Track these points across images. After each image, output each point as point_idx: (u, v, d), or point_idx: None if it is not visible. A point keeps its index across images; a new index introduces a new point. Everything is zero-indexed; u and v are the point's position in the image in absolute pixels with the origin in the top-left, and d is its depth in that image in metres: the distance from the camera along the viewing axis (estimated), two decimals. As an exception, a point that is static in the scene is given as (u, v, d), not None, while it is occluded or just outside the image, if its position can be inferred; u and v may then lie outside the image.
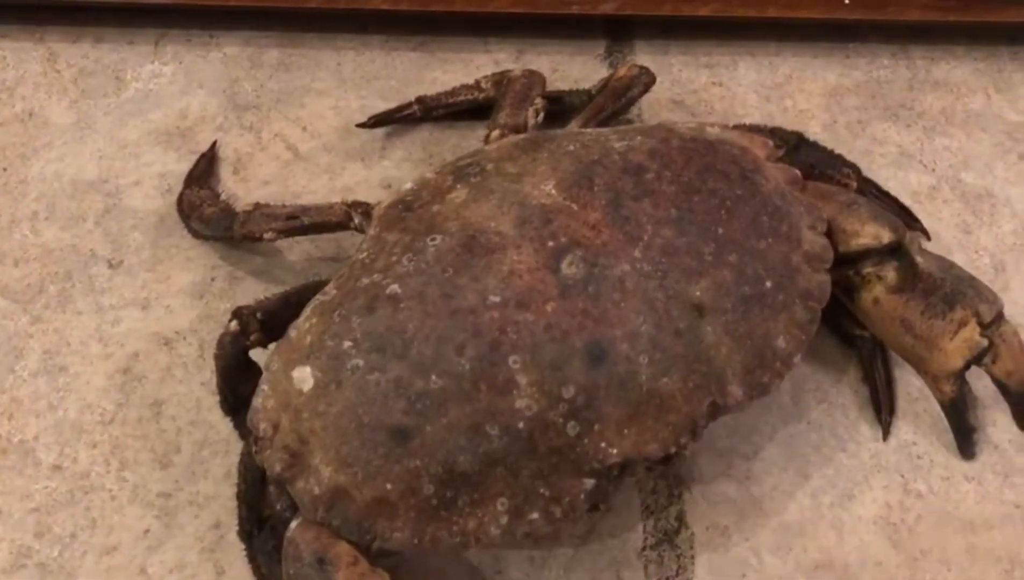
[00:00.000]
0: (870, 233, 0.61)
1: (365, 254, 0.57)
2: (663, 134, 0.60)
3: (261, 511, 0.56)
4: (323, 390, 0.52)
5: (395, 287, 0.53)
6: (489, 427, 0.51)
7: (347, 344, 0.52)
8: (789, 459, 0.63)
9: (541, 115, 0.70)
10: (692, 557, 0.60)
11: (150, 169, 0.75)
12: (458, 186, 0.58)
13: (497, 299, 0.52)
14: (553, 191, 0.56)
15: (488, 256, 0.53)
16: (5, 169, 0.75)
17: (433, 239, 0.55)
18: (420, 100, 0.76)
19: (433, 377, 0.51)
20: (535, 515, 0.51)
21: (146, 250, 0.71)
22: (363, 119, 0.76)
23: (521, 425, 0.51)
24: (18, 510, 0.61)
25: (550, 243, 0.54)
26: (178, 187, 0.73)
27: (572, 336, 0.52)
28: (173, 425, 0.64)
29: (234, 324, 0.58)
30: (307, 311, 0.55)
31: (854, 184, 0.68)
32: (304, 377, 0.52)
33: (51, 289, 0.69)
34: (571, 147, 0.59)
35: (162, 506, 0.61)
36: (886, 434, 0.64)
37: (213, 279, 0.70)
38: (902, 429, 0.64)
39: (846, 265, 0.62)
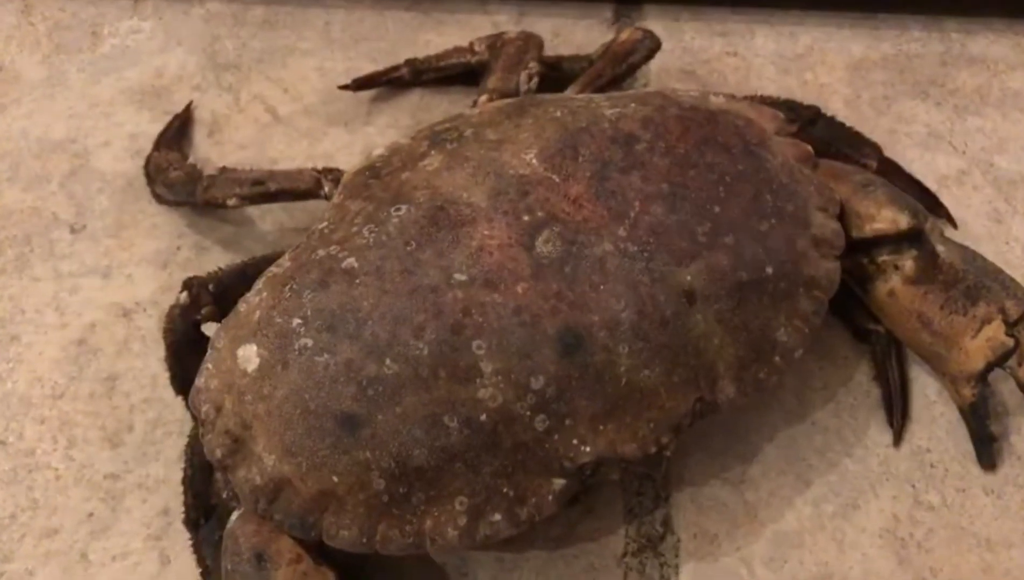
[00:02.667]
0: (887, 218, 0.55)
1: (325, 224, 0.52)
2: (660, 102, 0.54)
3: (208, 499, 0.52)
4: (268, 371, 0.47)
5: (351, 261, 0.48)
6: (448, 419, 0.46)
7: (296, 322, 0.47)
8: (789, 463, 0.58)
9: (535, 80, 0.64)
10: (676, 566, 0.55)
11: (121, 129, 0.71)
12: (433, 152, 0.53)
13: (463, 277, 0.47)
14: (534, 161, 0.51)
15: (456, 229, 0.48)
16: (-30, 125, 0.71)
17: (398, 209, 0.50)
18: (409, 63, 0.71)
19: (388, 361, 0.46)
20: (497, 516, 0.47)
21: (111, 215, 0.67)
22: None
23: (484, 417, 0.46)
24: (-43, 487, 0.57)
25: (525, 217, 0.49)
26: (149, 149, 0.68)
27: (544, 321, 0.47)
28: (126, 402, 0.60)
29: (184, 296, 0.53)
30: (259, 284, 0.51)
31: (874, 165, 0.63)
32: (249, 356, 0.48)
33: (8, 253, 0.65)
34: (558, 113, 0.54)
35: (109, 488, 0.57)
36: (898, 439, 0.58)
37: (179, 248, 0.65)
38: (916, 434, 0.58)
39: (860, 252, 0.57)
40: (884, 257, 0.56)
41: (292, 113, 0.72)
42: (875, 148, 0.64)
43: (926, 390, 0.60)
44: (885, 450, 0.58)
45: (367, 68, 0.73)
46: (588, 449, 0.47)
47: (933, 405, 0.59)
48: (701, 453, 0.58)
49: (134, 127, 0.71)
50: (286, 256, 0.51)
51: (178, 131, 0.70)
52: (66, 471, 0.58)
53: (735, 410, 0.51)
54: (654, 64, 0.73)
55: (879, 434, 0.59)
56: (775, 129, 0.57)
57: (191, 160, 0.67)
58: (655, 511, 0.56)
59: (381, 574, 0.53)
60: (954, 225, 0.65)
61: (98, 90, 0.73)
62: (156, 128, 0.70)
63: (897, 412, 0.58)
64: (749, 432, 0.59)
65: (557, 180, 0.50)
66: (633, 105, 0.54)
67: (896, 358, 0.59)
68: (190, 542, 0.53)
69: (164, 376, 0.59)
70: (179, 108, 0.71)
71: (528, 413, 0.46)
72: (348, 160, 0.68)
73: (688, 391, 0.48)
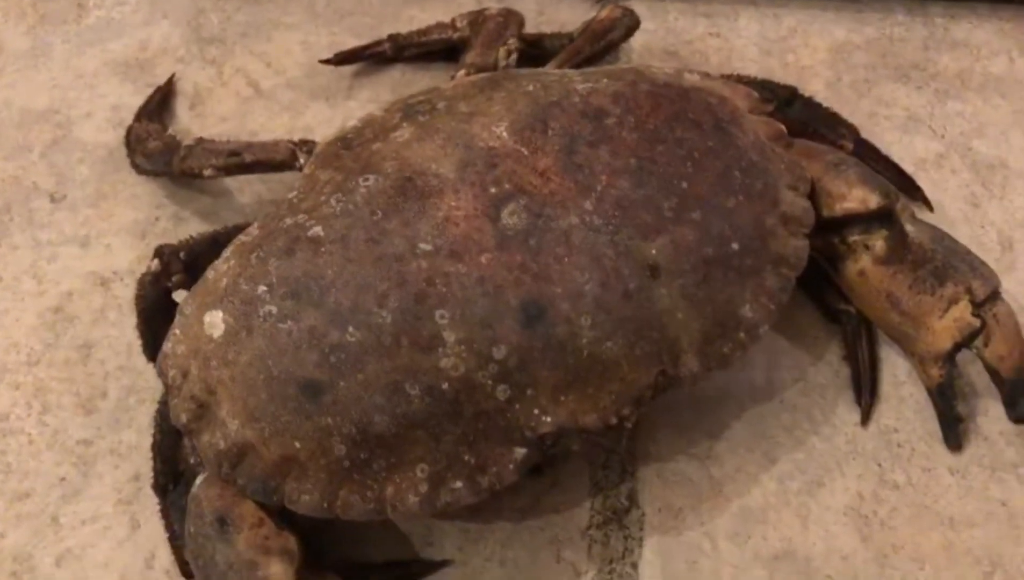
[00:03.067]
0: (857, 197, 0.55)
1: (295, 193, 0.52)
2: (632, 77, 0.55)
3: (177, 465, 0.52)
4: (233, 337, 0.48)
5: (318, 229, 0.49)
6: (409, 386, 0.46)
7: (262, 289, 0.48)
8: (756, 440, 0.58)
9: (514, 56, 0.64)
10: (640, 539, 0.55)
11: (104, 101, 0.71)
12: (404, 124, 0.53)
13: (427, 247, 0.47)
14: (504, 134, 0.51)
15: (423, 200, 0.49)
16: (-46, 94, 0.71)
17: (366, 179, 0.50)
18: (392, 38, 0.71)
19: (350, 329, 0.46)
20: (458, 484, 0.47)
21: (91, 185, 0.67)
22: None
23: (445, 386, 0.46)
24: (-68, 450, 0.58)
25: (492, 189, 0.49)
26: (131, 121, 0.69)
27: (507, 292, 0.47)
28: (101, 369, 0.60)
29: (155, 263, 0.54)
30: (227, 252, 0.51)
31: (850, 146, 0.63)
32: (215, 322, 0.48)
33: (-12, 221, 0.66)
34: (531, 87, 0.54)
35: (81, 454, 0.58)
36: (865, 419, 0.58)
37: (157, 219, 0.66)
38: (884, 414, 0.59)
39: (831, 232, 0.57)
40: (854, 237, 0.57)
41: (274, 87, 0.72)
42: (852, 129, 0.64)
43: (895, 370, 0.60)
44: (853, 429, 0.58)
45: (351, 43, 0.73)
46: (549, 419, 0.47)
47: (902, 385, 0.60)
48: (668, 428, 0.58)
49: (117, 99, 0.71)
50: (255, 224, 0.52)
51: (160, 103, 0.70)
52: (39, 436, 0.58)
53: (698, 384, 0.51)
54: (636, 43, 0.73)
55: (847, 413, 0.59)
56: (749, 107, 0.57)
57: (172, 132, 0.67)
58: (621, 485, 0.57)
59: (345, 543, 0.54)
60: (930, 208, 0.65)
61: (82, 61, 0.73)
62: (139, 100, 0.70)
63: (866, 391, 0.59)
64: (717, 409, 0.59)
65: (526, 153, 0.50)
66: (605, 80, 0.54)
67: (866, 338, 0.59)
68: (159, 507, 0.54)
69: (139, 344, 0.59)
70: (162, 80, 0.71)
71: (490, 382, 0.46)
72: (328, 134, 0.69)
73: (650, 364, 0.49)
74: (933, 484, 0.57)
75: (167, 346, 0.50)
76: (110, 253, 0.65)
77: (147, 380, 0.60)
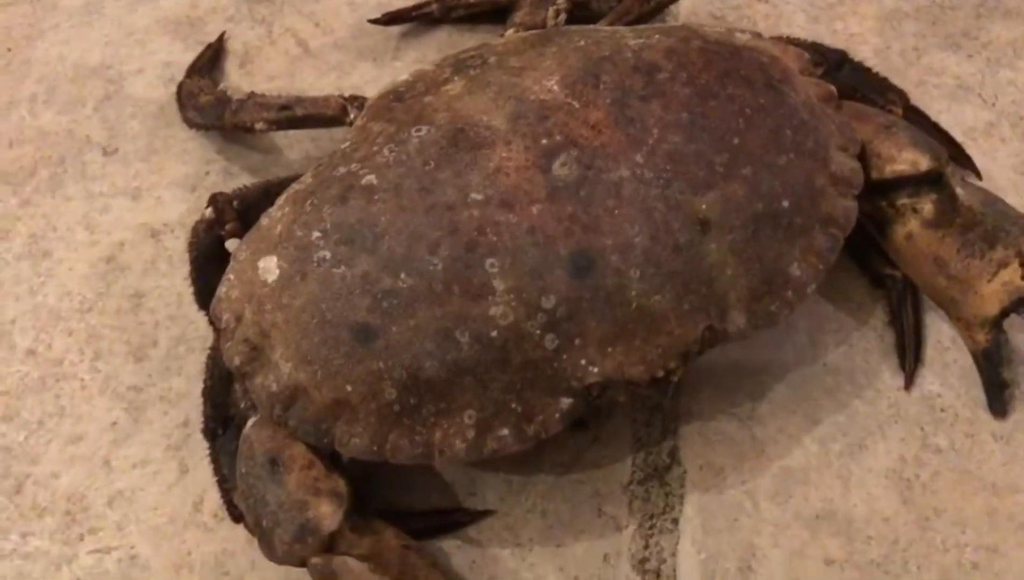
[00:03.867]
0: (907, 159, 0.55)
1: (348, 144, 0.53)
2: (684, 34, 0.55)
3: (227, 410, 0.53)
4: (288, 282, 0.48)
5: (371, 178, 0.49)
6: (459, 333, 0.47)
7: (316, 234, 0.49)
8: (798, 402, 0.58)
9: (563, 16, 0.64)
10: (681, 496, 0.55)
11: (155, 58, 0.72)
12: (455, 78, 0.54)
13: (479, 197, 0.48)
14: (555, 87, 0.51)
15: (474, 151, 0.49)
16: (9, 49, 0.73)
17: (418, 130, 0.51)
18: (440, -1, 0.71)
19: (402, 275, 0.47)
20: (505, 431, 0.48)
21: (142, 139, 0.68)
22: (379, 17, 0.72)
23: (494, 334, 0.47)
24: (-12, 392, 0.59)
25: (543, 141, 0.49)
26: (181, 77, 0.69)
27: (557, 242, 0.47)
28: (152, 318, 0.62)
29: (209, 211, 0.55)
30: (281, 199, 0.52)
31: (899, 111, 0.62)
32: (270, 267, 0.49)
33: (43, 173, 0.67)
34: (582, 43, 0.54)
35: (132, 399, 0.59)
36: (909, 383, 0.58)
37: (207, 173, 0.67)
38: (927, 379, 0.59)
39: (879, 195, 0.57)
40: (903, 200, 0.56)
41: (322, 46, 0.72)
42: (901, 95, 0.63)
43: (940, 337, 0.60)
44: (896, 393, 0.58)
45: (398, 4, 0.73)
46: (596, 370, 0.48)
47: (947, 351, 0.59)
48: (711, 389, 0.58)
49: (167, 56, 0.72)
50: (308, 173, 0.52)
51: (210, 60, 0.71)
52: (92, 381, 0.60)
53: (744, 340, 0.51)
54: (683, 8, 0.73)
55: (891, 378, 0.59)
56: (799, 68, 0.57)
57: (222, 88, 0.68)
58: (663, 442, 0.57)
59: (390, 492, 0.55)
60: (979, 176, 0.65)
61: (134, 19, 0.74)
62: (189, 57, 0.71)
63: (910, 356, 0.58)
64: (760, 371, 0.59)
65: (577, 106, 0.50)
66: (657, 37, 0.54)
67: (911, 303, 0.59)
68: (208, 452, 0.55)
69: (189, 295, 0.60)
70: (212, 39, 0.72)
71: (538, 332, 0.47)
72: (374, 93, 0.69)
73: (698, 319, 0.49)
74: (976, 450, 0.56)
75: (221, 291, 0.50)
76: (161, 205, 0.66)
77: (197, 329, 0.61)
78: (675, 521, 0.55)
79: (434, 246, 0.47)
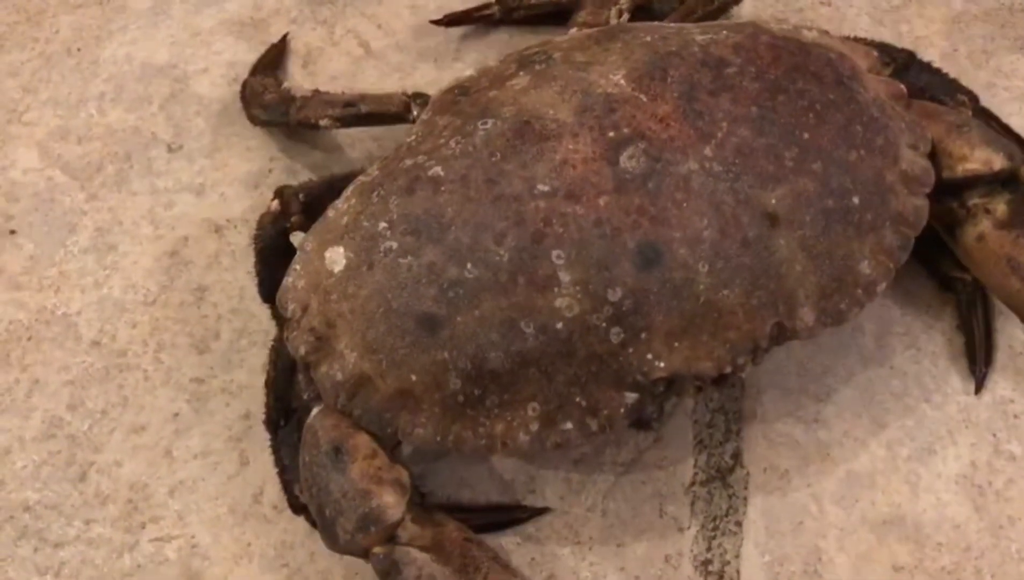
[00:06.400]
0: (980, 158, 0.54)
1: (413, 137, 0.53)
2: (751, 30, 0.54)
3: (289, 402, 0.53)
4: (354, 272, 0.48)
5: (438, 169, 0.49)
6: (524, 325, 0.46)
7: (382, 225, 0.49)
8: (865, 405, 0.57)
9: (625, 16, 0.64)
10: (745, 499, 0.55)
11: (219, 57, 0.73)
12: (520, 73, 0.54)
13: (545, 188, 0.48)
14: (622, 81, 0.51)
15: (541, 143, 0.49)
16: (79, 49, 0.74)
17: (484, 123, 0.51)
18: (501, 1, 0.71)
19: (469, 265, 0.47)
20: (568, 425, 0.47)
21: (207, 137, 0.69)
22: (441, 18, 0.72)
23: (560, 326, 0.46)
24: (54, 381, 0.60)
25: (611, 133, 0.49)
26: (245, 77, 0.70)
27: (624, 234, 0.47)
28: (214, 312, 0.62)
29: (275, 203, 0.55)
30: (347, 191, 0.52)
31: (968, 112, 0.61)
32: (336, 258, 0.49)
33: (109, 168, 0.68)
34: (648, 38, 0.54)
35: (194, 391, 0.59)
36: (979, 388, 0.57)
37: (270, 170, 0.67)
38: (999, 384, 0.57)
39: (950, 195, 0.55)
40: (975, 200, 0.55)
41: (384, 48, 0.73)
42: (971, 96, 0.62)
43: (1012, 341, 0.58)
44: (965, 398, 0.57)
45: (458, 6, 0.73)
46: (662, 364, 0.47)
47: (1019, 356, 0.58)
48: (775, 390, 0.57)
49: (232, 56, 0.73)
50: (374, 166, 0.52)
51: (274, 60, 0.72)
52: (155, 373, 0.60)
53: (811, 338, 0.50)
54: (745, 11, 0.73)
55: (960, 382, 0.58)
56: (868, 66, 0.56)
57: (286, 86, 0.69)
58: (725, 443, 0.56)
59: (450, 486, 0.55)
60: (1051, 179, 0.63)
61: (199, 20, 0.75)
62: (252, 57, 0.72)
63: (980, 361, 0.57)
64: (825, 373, 0.58)
65: (645, 99, 0.50)
66: (724, 32, 0.54)
67: (981, 306, 0.58)
68: (269, 443, 0.55)
69: (251, 289, 0.61)
70: (276, 39, 0.73)
71: (604, 324, 0.46)
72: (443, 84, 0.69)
73: (766, 315, 0.48)
74: (1051, 457, 0.55)
75: (287, 281, 0.51)
76: (224, 201, 0.66)
77: (258, 323, 0.61)
78: (738, 523, 0.54)
79: (500, 237, 0.47)
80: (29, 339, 0.62)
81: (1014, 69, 0.69)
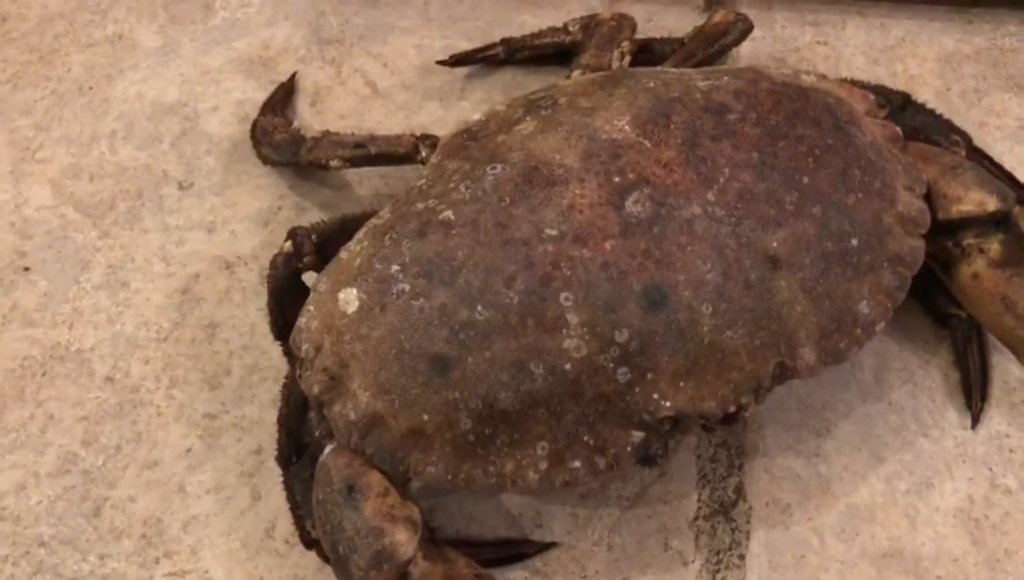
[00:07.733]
0: (974, 200, 0.56)
1: (424, 181, 0.54)
2: (752, 76, 0.56)
3: (301, 438, 0.55)
4: (367, 313, 0.50)
5: (448, 213, 0.51)
6: (534, 365, 0.48)
7: (395, 268, 0.50)
8: (864, 440, 0.58)
9: (627, 59, 0.66)
10: (748, 532, 0.56)
11: (229, 96, 0.75)
12: (527, 118, 0.55)
13: (553, 233, 0.49)
14: (626, 127, 0.53)
15: (548, 188, 0.50)
16: (91, 88, 0.75)
17: (493, 168, 0.52)
18: (505, 41, 0.73)
19: (479, 308, 0.48)
20: (577, 463, 0.48)
21: (217, 174, 0.71)
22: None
23: (568, 366, 0.48)
24: (68, 417, 0.61)
25: (616, 179, 0.50)
26: (255, 115, 0.72)
27: (630, 277, 0.48)
28: (226, 348, 0.63)
29: (288, 244, 0.56)
30: (360, 234, 0.53)
31: (963, 153, 0.63)
32: (349, 299, 0.50)
33: (121, 206, 0.69)
34: (651, 84, 0.55)
35: (206, 426, 0.60)
36: (975, 422, 0.58)
37: (280, 208, 0.69)
38: (994, 419, 0.59)
39: (945, 235, 0.57)
40: (969, 240, 0.57)
41: (391, 87, 0.75)
42: (964, 137, 0.63)
43: (1007, 377, 0.60)
44: (962, 433, 0.58)
45: (463, 46, 0.75)
46: (668, 404, 0.48)
47: (1014, 392, 0.59)
48: (776, 425, 0.59)
49: (241, 94, 0.75)
50: (386, 209, 0.54)
51: (283, 99, 0.73)
52: (167, 408, 0.61)
53: (812, 377, 0.51)
54: (744, 51, 0.74)
55: (957, 417, 0.59)
56: (865, 110, 0.58)
57: (296, 126, 0.70)
58: (728, 478, 0.57)
59: (458, 522, 0.56)
60: (1043, 217, 0.65)
61: (209, 59, 0.77)
62: (262, 96, 0.74)
63: (976, 396, 0.59)
64: (825, 408, 0.59)
65: (648, 145, 0.52)
66: (726, 78, 0.55)
67: (977, 343, 0.60)
68: (281, 479, 0.56)
69: (262, 325, 0.62)
70: (284, 78, 0.75)
71: (611, 365, 0.48)
72: (443, 132, 0.71)
73: (769, 355, 0.49)
74: (1046, 491, 0.56)
75: (301, 321, 0.52)
76: (235, 239, 0.68)
77: (269, 359, 0.62)
78: (742, 557, 0.55)
79: (510, 280, 0.48)
80: (43, 375, 0.63)
81: (1006, 108, 0.71)
